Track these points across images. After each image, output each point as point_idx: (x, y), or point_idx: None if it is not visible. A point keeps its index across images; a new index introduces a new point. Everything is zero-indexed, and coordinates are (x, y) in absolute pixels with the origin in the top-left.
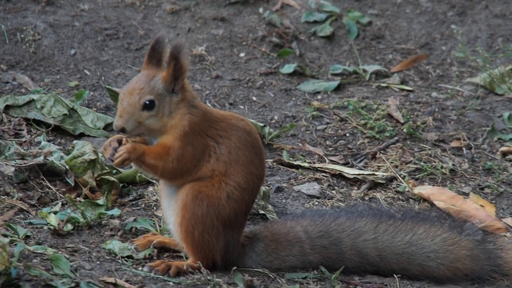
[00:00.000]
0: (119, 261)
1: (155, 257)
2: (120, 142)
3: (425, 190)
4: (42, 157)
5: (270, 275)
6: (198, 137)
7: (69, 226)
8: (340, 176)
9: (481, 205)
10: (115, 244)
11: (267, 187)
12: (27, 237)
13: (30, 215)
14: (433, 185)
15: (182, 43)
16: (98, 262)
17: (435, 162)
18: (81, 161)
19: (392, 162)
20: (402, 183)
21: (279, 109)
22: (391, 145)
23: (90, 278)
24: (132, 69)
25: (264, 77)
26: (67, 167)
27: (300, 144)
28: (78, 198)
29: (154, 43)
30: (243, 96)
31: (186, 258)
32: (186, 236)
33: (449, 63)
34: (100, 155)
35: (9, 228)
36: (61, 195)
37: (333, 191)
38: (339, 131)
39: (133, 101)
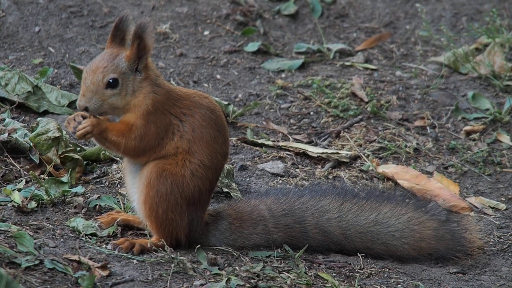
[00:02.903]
0: (83, 238)
1: (119, 235)
2: (84, 118)
3: (389, 169)
4: (6, 134)
5: (234, 253)
6: (162, 116)
7: (33, 204)
8: (304, 154)
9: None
10: (79, 222)
11: (231, 165)
12: None
13: None
14: (397, 164)
15: (146, 22)
16: (62, 240)
17: (399, 141)
18: (45, 138)
19: (356, 141)
20: (366, 162)
21: (243, 87)
22: (355, 124)
23: (54, 256)
24: (96, 46)
25: (228, 55)
26: (31, 144)
27: (264, 123)
28: (42, 176)
29: (118, 22)
30: (207, 74)
31: (150, 236)
32: (150, 214)
33: (413, 42)
34: (64, 132)
35: None
36: (25, 172)
37: (297, 170)
38: (303, 109)
39: (97, 79)
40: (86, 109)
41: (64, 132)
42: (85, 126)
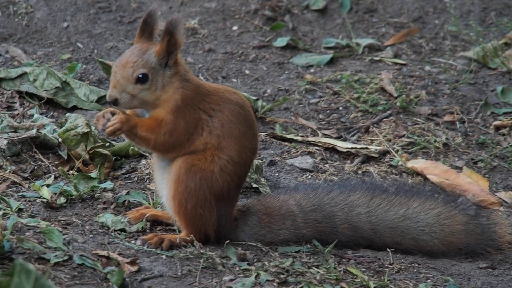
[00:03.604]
0: (112, 234)
1: (148, 231)
2: (113, 115)
3: (418, 164)
4: (34, 130)
5: (263, 248)
6: (191, 111)
7: (62, 199)
8: (333, 149)
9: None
10: (108, 217)
11: (260, 161)
12: (20, 210)
13: (23, 188)
14: (427, 159)
15: (178, 18)
16: (91, 235)
17: (428, 136)
18: (74, 134)
19: (385, 136)
20: (395, 157)
21: (272, 82)
22: (384, 119)
23: (83, 251)
24: (124, 42)
25: (257, 51)
26: (60, 140)
27: (293, 118)
28: (71, 171)
29: (146, 16)
30: (235, 70)
31: (179, 231)
32: (179, 209)
33: (442, 37)
34: (93, 128)
35: (1, 201)
36: (54, 168)
37: (326, 165)
38: (332, 104)
39: (127, 74)
40: (116, 101)
41: (93, 128)
42: (115, 123)
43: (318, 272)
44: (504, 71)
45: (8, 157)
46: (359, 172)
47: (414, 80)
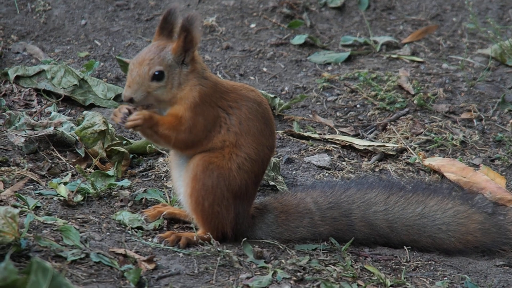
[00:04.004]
0: (129, 232)
1: (165, 228)
2: (129, 110)
3: (435, 161)
4: (52, 128)
5: (280, 246)
6: (209, 108)
7: (79, 197)
8: (350, 147)
9: (491, 178)
10: (125, 215)
11: (277, 158)
12: (37, 207)
13: (40, 186)
14: (444, 157)
15: (194, 15)
16: (108, 233)
17: (445, 133)
18: (91, 131)
19: (402, 134)
20: (413, 154)
21: (289, 80)
22: (402, 117)
23: (100, 249)
24: (142, 39)
25: (274, 48)
26: (77, 137)
27: (311, 115)
28: (88, 169)
29: (166, 14)
30: (253, 67)
31: (196, 229)
32: (196, 207)
33: (460, 35)
34: (110, 125)
35: (19, 199)
36: (71, 165)
37: (343, 163)
38: (350, 102)
39: (143, 71)
40: (131, 100)
41: (110, 126)
42: (137, 119)
43: (335, 270)
44: None
45: (25, 155)
46: (376, 170)
47: (432, 77)
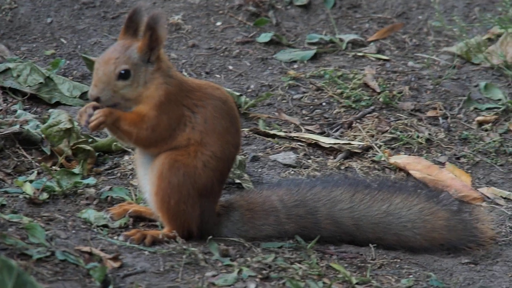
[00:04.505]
0: (95, 230)
1: (130, 226)
2: (95, 109)
3: (401, 159)
4: (18, 126)
5: (246, 244)
6: (174, 107)
7: (45, 195)
8: (316, 145)
9: (456, 175)
10: (90, 213)
11: (243, 156)
12: (2, 206)
13: (5, 184)
14: (409, 155)
15: (160, 13)
16: (73, 231)
17: (411, 131)
18: (57, 130)
19: (368, 132)
20: (378, 152)
21: (255, 78)
22: (367, 115)
23: (66, 247)
24: (108, 37)
25: (240, 46)
26: (43, 135)
27: (276, 113)
28: (54, 167)
29: (132, 13)
30: (219, 65)
31: (162, 227)
32: (162, 205)
33: (426, 32)
34: (75, 124)
35: None
36: (37, 163)
37: (309, 161)
38: (315, 100)
39: (109, 70)
40: (97, 99)
41: (76, 124)
42: (98, 117)
43: (301, 267)
44: (487, 67)
45: None
46: (342, 167)
47: (397, 75)
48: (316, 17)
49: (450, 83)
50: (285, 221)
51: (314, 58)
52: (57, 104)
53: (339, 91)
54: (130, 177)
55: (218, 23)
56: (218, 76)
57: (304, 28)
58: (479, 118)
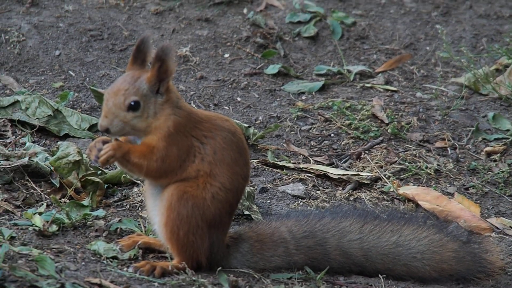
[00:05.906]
0: (104, 262)
1: (140, 258)
2: (105, 143)
3: (410, 190)
4: (27, 158)
5: (255, 275)
6: (183, 138)
7: (54, 227)
8: (325, 176)
9: (465, 205)
10: (100, 245)
11: (252, 188)
12: (12, 238)
13: (15, 216)
14: (418, 186)
15: (169, 45)
16: (83, 263)
17: (419, 162)
18: (66, 162)
19: (376, 163)
20: (387, 183)
21: (263, 109)
22: (376, 146)
23: (75, 279)
24: (116, 70)
25: (248, 78)
26: (52, 168)
27: (285, 145)
28: (63, 199)
29: (139, 43)
30: (227, 97)
31: (171, 258)
32: (171, 237)
33: (434, 63)
34: (84, 156)
35: None
36: (46, 196)
37: (318, 192)
38: (324, 131)
39: (118, 101)
40: (107, 130)
41: (85, 156)
42: (107, 151)
43: None
44: (495, 97)
45: (0, 185)
46: (351, 198)
47: (406, 106)
48: (324, 49)
49: (459, 113)
50: (294, 252)
51: (322, 89)
52: (65, 137)
53: (347, 122)
54: (139, 208)
55: (226, 55)
56: (226, 107)
57: (312, 59)
58: (488, 148)
